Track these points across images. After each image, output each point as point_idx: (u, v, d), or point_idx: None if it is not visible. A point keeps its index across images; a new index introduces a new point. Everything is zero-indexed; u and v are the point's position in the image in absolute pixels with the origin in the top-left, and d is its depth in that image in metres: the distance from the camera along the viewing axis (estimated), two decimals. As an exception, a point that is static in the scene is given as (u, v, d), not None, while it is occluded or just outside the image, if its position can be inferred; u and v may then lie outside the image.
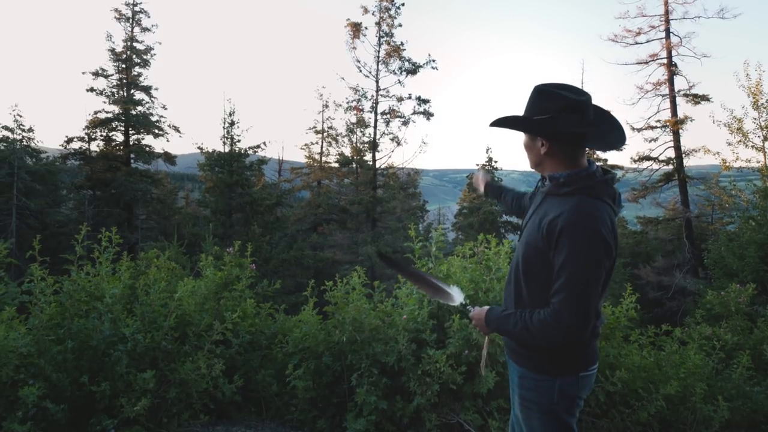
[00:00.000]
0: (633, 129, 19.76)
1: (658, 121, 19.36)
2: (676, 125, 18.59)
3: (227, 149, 18.43)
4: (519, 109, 1.94)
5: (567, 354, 1.84)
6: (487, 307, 2.01)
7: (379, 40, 20.84)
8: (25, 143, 18.67)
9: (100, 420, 3.11)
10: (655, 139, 19.49)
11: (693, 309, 8.12)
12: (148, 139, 22.13)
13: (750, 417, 3.81)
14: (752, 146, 14.41)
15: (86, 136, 20.93)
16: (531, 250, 1.83)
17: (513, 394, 2.02)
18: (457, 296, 2.18)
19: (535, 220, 1.86)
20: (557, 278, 1.71)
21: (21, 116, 18.39)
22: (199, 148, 18.54)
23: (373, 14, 20.78)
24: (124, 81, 21.21)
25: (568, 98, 1.76)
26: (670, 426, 3.65)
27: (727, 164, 15.43)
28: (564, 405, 1.85)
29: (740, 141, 14.64)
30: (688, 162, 18.79)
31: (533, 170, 1.98)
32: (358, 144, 21.97)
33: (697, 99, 18.64)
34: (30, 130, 18.69)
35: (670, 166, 19.18)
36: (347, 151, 22.99)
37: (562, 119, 1.76)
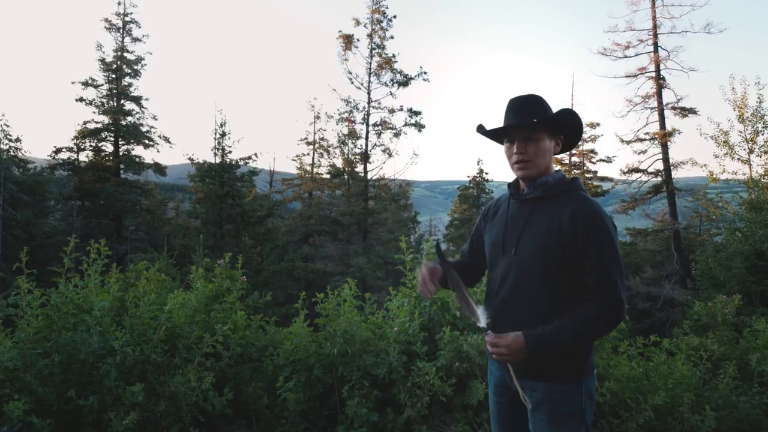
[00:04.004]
0: (622, 141, 20.07)
1: (647, 133, 19.67)
2: (664, 138, 18.87)
3: (218, 160, 18.40)
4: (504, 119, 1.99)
5: (587, 355, 1.87)
6: (518, 334, 1.80)
7: (371, 52, 21.02)
8: (12, 153, 18.56)
9: (88, 434, 3.07)
10: (644, 152, 19.80)
11: (681, 319, 8.20)
12: (138, 150, 22.08)
13: (736, 426, 3.84)
14: (738, 159, 14.67)
15: (75, 147, 20.82)
16: (552, 247, 1.82)
17: (536, 413, 1.89)
18: (481, 317, 1.96)
19: (542, 223, 1.87)
20: (599, 263, 1.77)
21: (8, 126, 18.37)
22: (189, 158, 18.48)
23: (365, 26, 21.00)
24: (114, 91, 21.16)
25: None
26: (659, 437, 3.67)
27: (714, 176, 15.67)
28: (590, 407, 1.87)
29: (726, 153, 14.91)
30: (676, 174, 19.08)
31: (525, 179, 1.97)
32: (349, 155, 22.04)
33: (685, 112, 18.97)
34: (17, 140, 18.62)
35: (659, 178, 19.44)
36: (339, 163, 23.08)
37: (572, 114, 1.95)
